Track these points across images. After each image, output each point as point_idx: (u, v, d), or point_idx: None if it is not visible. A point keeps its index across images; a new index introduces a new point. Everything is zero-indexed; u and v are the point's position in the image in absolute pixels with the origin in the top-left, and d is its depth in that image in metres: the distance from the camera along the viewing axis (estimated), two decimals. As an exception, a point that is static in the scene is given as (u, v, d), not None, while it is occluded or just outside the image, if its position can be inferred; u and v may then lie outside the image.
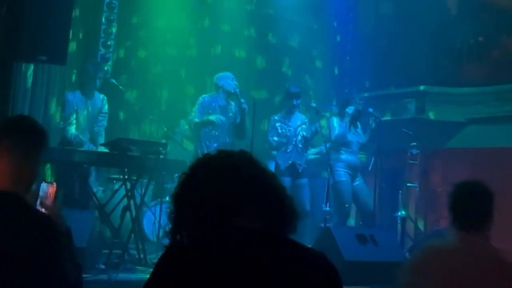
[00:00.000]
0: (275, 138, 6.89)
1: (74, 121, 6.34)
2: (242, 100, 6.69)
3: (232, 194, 1.59)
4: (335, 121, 7.00)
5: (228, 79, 6.81)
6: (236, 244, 1.55)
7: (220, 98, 6.80)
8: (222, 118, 6.69)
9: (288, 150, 6.86)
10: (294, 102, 6.89)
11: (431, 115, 8.89)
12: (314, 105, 7.01)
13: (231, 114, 6.81)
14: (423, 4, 9.01)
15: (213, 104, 6.77)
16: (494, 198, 2.82)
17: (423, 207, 8.13)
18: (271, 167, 7.18)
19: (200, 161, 1.68)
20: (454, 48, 8.95)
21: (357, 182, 6.95)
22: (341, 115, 7.03)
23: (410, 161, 8.06)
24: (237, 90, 6.76)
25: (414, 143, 7.90)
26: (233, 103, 6.86)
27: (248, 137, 6.69)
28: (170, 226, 1.65)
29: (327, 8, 9.61)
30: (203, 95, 6.95)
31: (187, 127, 8.12)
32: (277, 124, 6.93)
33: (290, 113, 7.00)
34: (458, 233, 2.80)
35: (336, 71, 9.86)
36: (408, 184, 8.23)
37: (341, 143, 6.91)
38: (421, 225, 7.97)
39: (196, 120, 6.72)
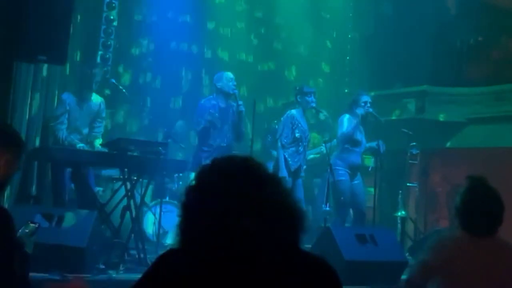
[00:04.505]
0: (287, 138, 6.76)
1: (65, 121, 6.28)
2: (240, 102, 6.52)
3: (238, 200, 1.60)
4: (346, 118, 6.86)
5: (226, 80, 6.60)
6: (238, 248, 1.56)
7: (220, 100, 6.60)
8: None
9: (300, 152, 6.78)
10: (309, 99, 6.79)
11: (431, 115, 8.89)
12: (314, 105, 6.97)
13: (231, 116, 6.62)
14: (423, 4, 9.01)
15: (214, 107, 6.55)
16: (503, 203, 2.79)
17: (423, 207, 8.14)
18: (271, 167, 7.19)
19: (208, 167, 1.69)
20: (454, 48, 8.97)
21: (356, 181, 6.90)
22: (351, 113, 6.95)
23: (410, 161, 8.06)
24: (236, 91, 6.58)
25: (414, 143, 7.90)
26: (234, 105, 6.65)
27: (248, 138, 6.67)
28: (179, 229, 1.65)
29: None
30: (202, 100, 6.78)
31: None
32: (295, 121, 6.74)
33: (304, 113, 6.88)
34: (466, 234, 2.79)
35: (335, 72, 9.89)
36: (408, 184, 8.24)
37: (347, 141, 6.84)
38: (421, 225, 7.98)
39: (201, 126, 6.51)
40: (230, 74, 6.71)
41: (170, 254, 1.64)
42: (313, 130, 8.18)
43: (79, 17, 7.30)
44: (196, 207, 1.64)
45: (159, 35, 8.82)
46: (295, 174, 6.75)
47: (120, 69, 8.61)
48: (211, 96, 6.76)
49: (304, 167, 6.90)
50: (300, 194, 6.73)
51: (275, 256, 1.58)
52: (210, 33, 9.21)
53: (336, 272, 1.65)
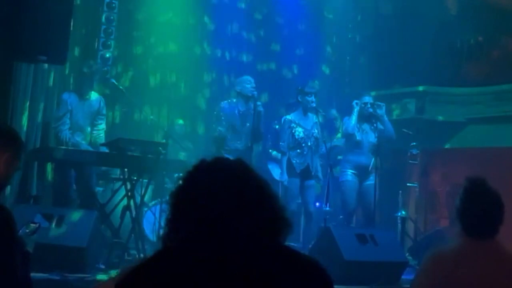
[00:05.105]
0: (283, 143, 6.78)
1: (68, 121, 6.27)
2: (258, 103, 6.61)
3: (226, 202, 1.61)
4: (346, 119, 6.97)
5: (244, 83, 6.76)
6: (225, 250, 1.57)
7: (240, 103, 6.75)
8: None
9: (304, 153, 6.77)
10: (309, 98, 6.81)
11: (431, 115, 8.90)
12: (314, 105, 6.97)
13: (250, 120, 6.66)
14: (423, 4, 9.01)
15: (233, 110, 6.71)
16: (503, 203, 2.76)
17: (423, 207, 8.14)
18: (275, 168, 7.19)
19: (197, 167, 1.70)
20: (454, 48, 8.96)
21: (367, 182, 6.85)
22: (351, 114, 6.94)
23: (410, 161, 8.06)
24: (255, 92, 6.65)
25: (414, 143, 7.90)
26: (253, 107, 6.71)
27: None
28: (165, 229, 1.67)
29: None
30: (222, 103, 6.89)
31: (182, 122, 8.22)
32: (292, 125, 6.79)
33: (304, 113, 6.90)
34: (467, 239, 2.76)
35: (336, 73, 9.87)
36: (408, 184, 8.24)
37: (351, 141, 6.86)
38: (421, 225, 7.98)
39: (221, 129, 6.68)
40: (248, 77, 6.88)
41: (160, 255, 1.65)
42: (324, 130, 8.21)
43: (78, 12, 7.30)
44: (181, 204, 1.65)
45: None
46: (303, 175, 6.75)
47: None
48: (230, 100, 6.94)
49: (316, 167, 6.87)
50: (310, 195, 6.75)
51: (259, 255, 1.58)
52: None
53: (327, 272, 1.65)
